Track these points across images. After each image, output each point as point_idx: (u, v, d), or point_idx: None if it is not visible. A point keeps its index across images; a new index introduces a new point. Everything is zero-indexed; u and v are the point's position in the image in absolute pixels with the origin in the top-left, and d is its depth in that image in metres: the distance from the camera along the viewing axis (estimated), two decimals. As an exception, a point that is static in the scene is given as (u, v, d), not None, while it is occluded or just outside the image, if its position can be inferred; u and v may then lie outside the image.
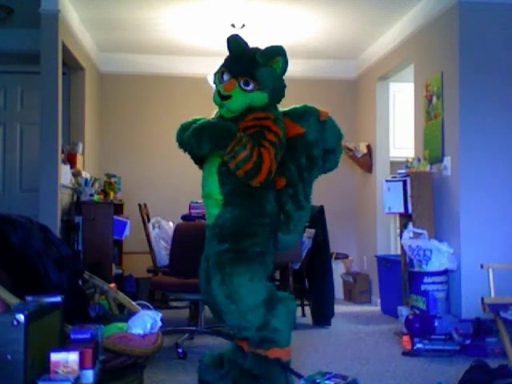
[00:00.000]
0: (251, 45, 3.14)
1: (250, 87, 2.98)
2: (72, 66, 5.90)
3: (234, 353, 3.18)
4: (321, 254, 5.05)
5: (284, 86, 3.13)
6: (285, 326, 3.00)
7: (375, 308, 6.02)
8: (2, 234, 2.77)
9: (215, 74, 3.12)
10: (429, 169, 4.89)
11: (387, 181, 4.89)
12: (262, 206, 3.04)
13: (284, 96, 3.17)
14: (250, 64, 3.02)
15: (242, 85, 2.97)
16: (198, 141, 2.87)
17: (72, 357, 2.13)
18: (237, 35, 3.17)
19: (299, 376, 3.06)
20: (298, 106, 3.23)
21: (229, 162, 2.91)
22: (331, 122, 3.24)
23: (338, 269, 6.61)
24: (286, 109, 3.20)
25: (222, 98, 2.99)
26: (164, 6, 5.23)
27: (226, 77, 3.03)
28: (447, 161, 4.66)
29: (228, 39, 3.15)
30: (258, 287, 2.98)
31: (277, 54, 3.04)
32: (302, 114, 3.16)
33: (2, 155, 6.37)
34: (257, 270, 2.99)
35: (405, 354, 4.03)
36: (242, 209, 3.01)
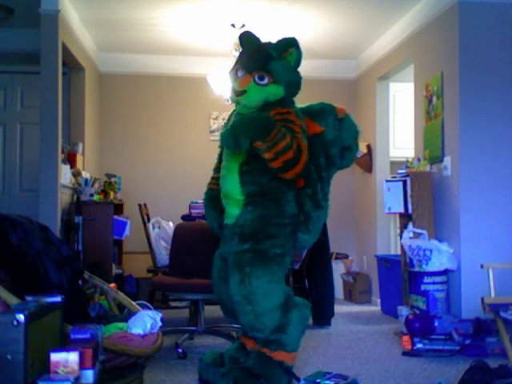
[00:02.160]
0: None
1: (265, 81, 2.96)
2: (72, 66, 5.90)
3: (236, 351, 3.18)
4: (321, 253, 5.05)
5: (300, 78, 3.09)
6: (296, 331, 3.00)
7: (375, 308, 6.02)
8: (2, 234, 2.77)
9: (229, 73, 3.11)
10: (429, 169, 4.88)
11: (387, 181, 4.89)
12: (283, 206, 3.02)
13: (300, 88, 3.13)
14: (263, 58, 3.00)
15: (256, 79, 2.95)
16: (234, 140, 2.82)
17: (72, 357, 2.14)
18: (248, 32, 3.16)
19: (298, 380, 3.06)
20: (314, 103, 3.19)
21: (267, 150, 2.85)
22: (348, 120, 3.18)
23: (338, 269, 6.61)
24: (303, 106, 3.17)
25: (237, 94, 2.98)
26: (164, 6, 5.23)
27: (240, 73, 3.01)
28: (447, 161, 4.66)
29: (240, 37, 3.13)
30: (276, 290, 2.97)
31: (289, 46, 3.01)
32: (320, 112, 3.12)
33: (2, 155, 6.38)
34: (275, 272, 2.99)
35: (405, 354, 4.03)
36: (263, 209, 2.99)
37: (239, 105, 3.04)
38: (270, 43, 3.07)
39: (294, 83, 3.07)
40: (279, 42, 3.04)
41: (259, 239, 2.98)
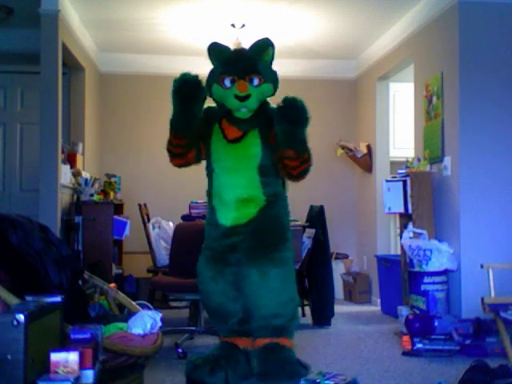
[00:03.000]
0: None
1: (256, 82, 3.09)
2: (72, 66, 5.90)
3: (229, 351, 3.20)
4: (321, 254, 5.05)
5: (276, 73, 3.24)
6: (298, 319, 3.33)
7: (375, 308, 6.02)
8: (2, 234, 2.77)
9: (212, 85, 3.17)
10: (429, 169, 4.88)
11: (387, 181, 4.89)
12: (288, 206, 3.35)
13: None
14: (249, 61, 3.12)
15: (249, 82, 3.08)
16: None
17: (72, 357, 2.14)
18: (215, 42, 3.23)
19: (307, 368, 3.22)
20: (271, 105, 3.32)
21: (296, 158, 3.05)
22: None
23: (338, 269, 6.61)
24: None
25: (242, 99, 3.06)
26: (164, 6, 5.23)
27: (227, 82, 3.10)
28: (447, 161, 4.66)
29: (209, 49, 3.20)
30: (294, 278, 3.28)
31: (268, 46, 3.15)
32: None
33: (2, 155, 6.37)
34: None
35: (405, 354, 4.03)
36: (280, 208, 3.24)
37: (243, 110, 3.11)
38: (243, 48, 3.23)
39: (277, 79, 3.20)
40: (256, 44, 3.17)
41: (280, 233, 3.23)
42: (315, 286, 5.08)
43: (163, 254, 5.02)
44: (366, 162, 6.47)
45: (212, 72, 3.21)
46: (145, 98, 6.80)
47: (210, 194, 3.29)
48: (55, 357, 2.13)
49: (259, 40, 3.17)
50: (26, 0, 5.08)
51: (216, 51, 3.20)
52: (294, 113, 2.95)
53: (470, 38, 4.56)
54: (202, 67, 6.64)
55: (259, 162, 3.13)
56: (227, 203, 3.16)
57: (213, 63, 3.22)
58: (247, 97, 3.05)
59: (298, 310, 3.34)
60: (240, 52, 3.23)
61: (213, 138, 3.23)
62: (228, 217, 3.16)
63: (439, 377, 3.42)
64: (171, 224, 5.28)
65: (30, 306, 2.21)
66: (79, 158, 5.72)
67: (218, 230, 3.22)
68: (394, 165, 6.11)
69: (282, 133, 2.98)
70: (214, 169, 3.21)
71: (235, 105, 3.10)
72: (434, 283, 4.35)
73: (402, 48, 5.66)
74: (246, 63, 3.12)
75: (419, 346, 4.02)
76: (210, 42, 3.24)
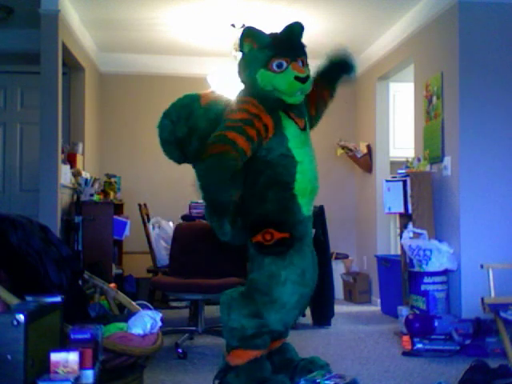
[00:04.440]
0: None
1: (301, 63, 2.96)
2: (72, 66, 5.90)
3: (268, 365, 3.03)
4: (321, 254, 5.03)
5: None
6: None
7: (375, 308, 6.02)
8: (2, 234, 2.77)
9: (257, 71, 2.92)
10: (429, 169, 4.89)
11: (387, 181, 4.89)
12: None
13: None
14: (297, 43, 3.00)
15: (300, 65, 2.95)
16: None
17: (72, 357, 2.14)
18: (251, 27, 3.01)
19: None
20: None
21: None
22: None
23: (338, 269, 6.61)
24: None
25: (303, 80, 2.90)
26: (164, 6, 5.23)
27: (276, 65, 2.88)
28: (447, 161, 4.66)
29: (248, 33, 2.96)
30: None
31: (302, 29, 3.02)
32: None
33: (2, 155, 6.37)
34: None
35: (405, 354, 4.03)
36: None
37: (298, 93, 2.94)
38: (277, 33, 3.00)
39: None
40: (291, 26, 3.00)
41: None
42: (315, 286, 5.07)
43: (163, 254, 5.02)
44: (366, 162, 6.47)
45: (253, 57, 2.94)
46: (145, 97, 6.80)
47: (285, 180, 2.97)
48: (55, 357, 2.13)
49: (292, 23, 2.99)
50: (25, 0, 5.08)
51: (257, 35, 2.94)
52: (348, 66, 3.40)
53: (470, 38, 4.56)
54: (202, 67, 6.68)
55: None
56: (310, 192, 3.02)
57: (248, 48, 2.95)
58: (307, 78, 2.92)
59: None
60: (284, 34, 2.99)
61: (284, 125, 2.95)
62: (310, 207, 3.06)
63: (439, 377, 3.42)
64: (171, 224, 5.28)
65: (29, 306, 2.21)
66: (79, 157, 5.72)
67: (301, 221, 3.06)
68: (394, 165, 6.10)
69: (332, 79, 3.33)
70: (295, 156, 2.95)
71: (296, 87, 2.90)
72: (434, 283, 4.35)
73: (402, 48, 5.66)
74: (296, 44, 2.98)
75: (419, 345, 4.02)
76: (248, 26, 3.01)
